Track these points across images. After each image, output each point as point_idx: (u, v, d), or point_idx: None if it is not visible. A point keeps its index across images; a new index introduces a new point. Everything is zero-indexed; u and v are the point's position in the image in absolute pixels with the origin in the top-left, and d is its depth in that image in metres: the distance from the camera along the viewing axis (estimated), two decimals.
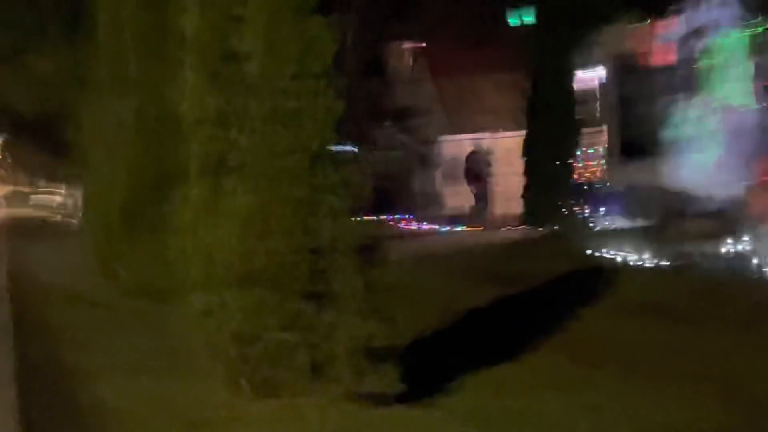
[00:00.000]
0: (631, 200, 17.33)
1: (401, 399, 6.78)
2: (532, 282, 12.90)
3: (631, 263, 14.82)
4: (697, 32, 15.39)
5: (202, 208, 7.00)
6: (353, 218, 6.95)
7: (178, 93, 11.69)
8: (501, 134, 20.98)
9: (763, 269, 13.30)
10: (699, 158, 15.55)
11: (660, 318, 10.71)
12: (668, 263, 14.41)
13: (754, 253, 13.97)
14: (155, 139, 11.76)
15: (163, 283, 11.81)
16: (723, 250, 14.36)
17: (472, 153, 22.05)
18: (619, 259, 15.25)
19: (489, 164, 20.22)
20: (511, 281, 13.02)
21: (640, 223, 16.77)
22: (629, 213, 17.32)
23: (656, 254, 14.81)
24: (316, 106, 6.80)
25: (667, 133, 16.46)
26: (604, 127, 17.73)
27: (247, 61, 6.83)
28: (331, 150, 6.84)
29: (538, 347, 9.39)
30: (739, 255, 14.11)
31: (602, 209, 17.73)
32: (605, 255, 15.51)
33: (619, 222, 17.52)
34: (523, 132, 18.71)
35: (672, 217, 15.93)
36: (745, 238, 14.39)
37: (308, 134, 6.78)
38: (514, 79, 20.64)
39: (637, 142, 17.39)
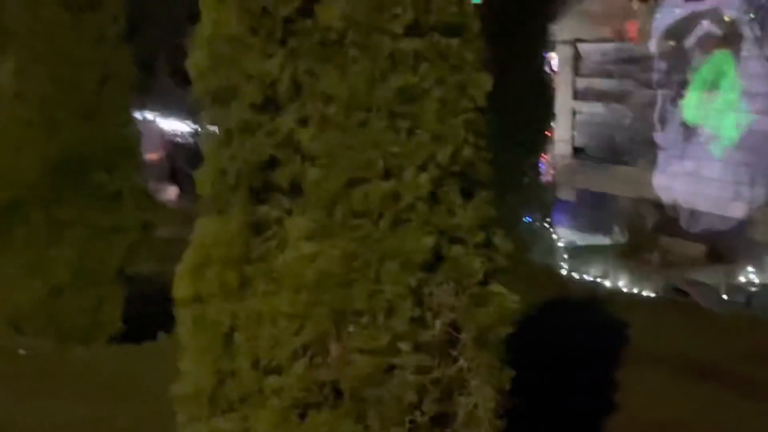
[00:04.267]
0: (590, 211, 14.71)
1: None
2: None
3: (614, 291, 12.19)
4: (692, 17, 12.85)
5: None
6: None
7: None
8: None
9: None
10: (688, 167, 12.99)
11: (732, 389, 8.01)
12: (656, 294, 11.82)
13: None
14: (43, 114, 8.40)
15: (49, 316, 8.49)
16: (726, 282, 11.84)
17: None
18: (594, 284, 12.61)
19: None
20: None
21: (602, 240, 14.15)
22: (587, 226, 14.69)
23: (635, 281, 12.21)
24: (448, 83, 3.72)
25: (642, 134, 13.88)
26: (555, 124, 15.02)
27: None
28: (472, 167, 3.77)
29: None
30: (748, 288, 11.65)
31: (552, 220, 15.05)
32: (575, 277, 12.84)
33: (570, 236, 14.83)
34: None
35: (650, 235, 13.35)
36: (749, 267, 11.92)
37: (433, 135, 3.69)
38: None
39: (601, 143, 14.76)
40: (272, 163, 3.76)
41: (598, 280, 12.56)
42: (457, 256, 3.78)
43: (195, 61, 3.77)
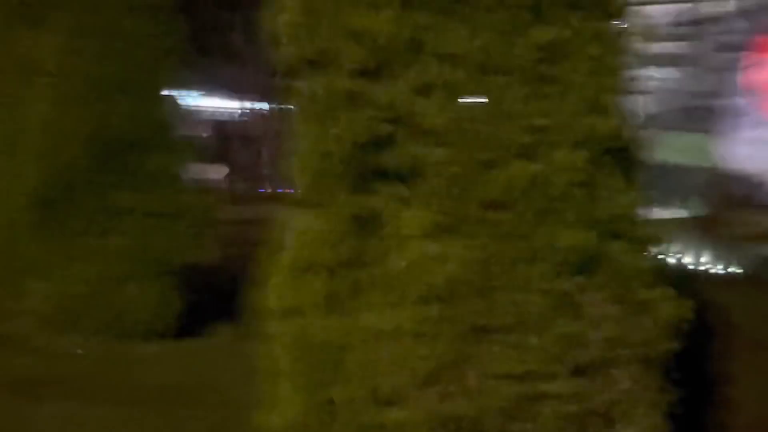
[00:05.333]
0: (663, 183, 13.84)
1: None
2: None
3: (697, 268, 11.35)
4: None
5: None
6: None
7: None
8: None
9: None
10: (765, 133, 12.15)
11: None
12: (741, 270, 10.99)
13: None
14: (94, 92, 7.71)
15: (108, 311, 7.82)
16: None
17: None
18: (674, 260, 11.74)
19: None
20: None
21: (678, 213, 13.32)
22: (661, 199, 13.83)
23: (718, 256, 11.38)
24: (605, 36, 2.97)
25: (719, 100, 13.04)
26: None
27: None
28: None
29: None
30: None
31: None
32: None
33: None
34: None
35: (730, 207, 12.50)
36: None
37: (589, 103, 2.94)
38: None
39: (674, 110, 13.93)
40: (384, 142, 3.01)
41: (679, 256, 11.75)
42: (619, 254, 3.01)
43: (287, 19, 3.02)
